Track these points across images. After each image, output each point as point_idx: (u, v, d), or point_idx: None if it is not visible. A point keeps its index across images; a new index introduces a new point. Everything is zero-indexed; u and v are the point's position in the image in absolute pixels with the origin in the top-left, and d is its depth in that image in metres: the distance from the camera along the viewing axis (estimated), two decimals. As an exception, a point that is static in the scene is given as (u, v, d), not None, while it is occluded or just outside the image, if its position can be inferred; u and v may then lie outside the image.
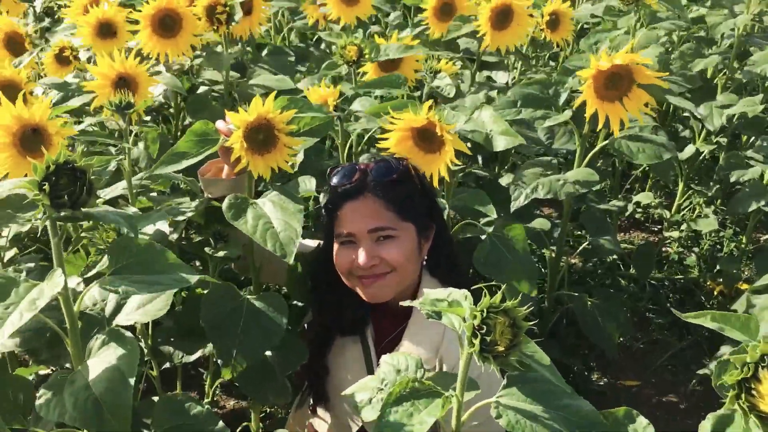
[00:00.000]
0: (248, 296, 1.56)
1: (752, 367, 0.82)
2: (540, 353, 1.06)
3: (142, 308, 1.35)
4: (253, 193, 1.53)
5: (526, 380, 1.05)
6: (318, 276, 1.68)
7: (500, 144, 1.77)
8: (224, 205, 1.44)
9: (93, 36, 2.19)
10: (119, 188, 1.72)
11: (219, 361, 1.49)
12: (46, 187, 1.03)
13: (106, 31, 2.21)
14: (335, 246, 1.60)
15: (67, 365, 1.41)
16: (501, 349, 0.97)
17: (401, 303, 1.12)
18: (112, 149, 1.85)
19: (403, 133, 1.65)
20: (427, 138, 1.65)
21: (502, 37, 2.49)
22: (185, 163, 1.45)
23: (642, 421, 1.00)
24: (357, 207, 1.55)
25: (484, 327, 0.97)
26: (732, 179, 2.88)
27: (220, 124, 1.49)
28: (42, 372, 1.75)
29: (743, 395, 0.84)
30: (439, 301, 1.09)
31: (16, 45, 2.40)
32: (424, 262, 1.66)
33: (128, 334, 1.15)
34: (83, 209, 1.07)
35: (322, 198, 1.92)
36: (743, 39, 2.99)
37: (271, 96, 1.41)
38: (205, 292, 1.56)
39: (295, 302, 1.81)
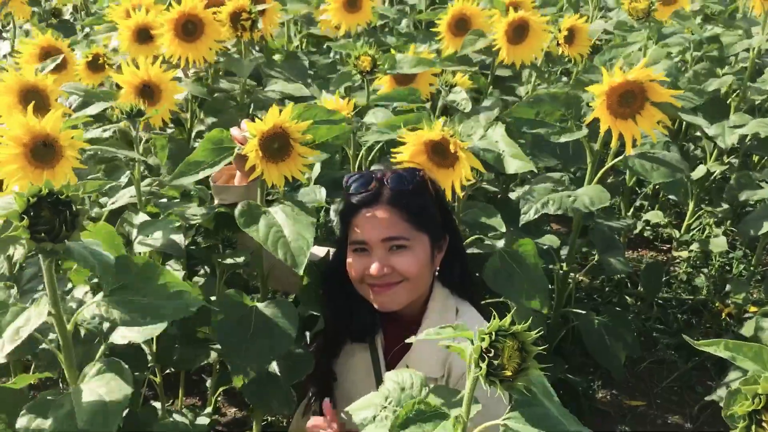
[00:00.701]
0: (257, 303, 1.56)
1: (764, 398, 0.81)
2: (544, 381, 1.04)
3: (136, 327, 1.32)
4: (264, 200, 1.53)
5: (532, 404, 1.04)
6: (331, 281, 1.68)
7: (512, 167, 1.77)
8: (237, 211, 1.44)
9: (131, 40, 2.24)
10: (127, 195, 1.72)
11: (229, 368, 1.49)
12: (26, 221, 0.99)
13: (144, 36, 2.25)
14: (349, 252, 1.61)
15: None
16: (508, 373, 0.96)
17: (406, 341, 1.13)
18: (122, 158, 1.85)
19: (417, 147, 1.65)
20: (440, 152, 1.65)
21: (518, 51, 2.51)
22: (202, 174, 1.46)
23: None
24: (372, 215, 1.55)
25: (492, 350, 0.96)
26: (741, 198, 2.87)
27: (234, 131, 1.50)
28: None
29: (753, 426, 0.82)
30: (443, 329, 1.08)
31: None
32: (436, 273, 1.65)
33: (125, 366, 1.13)
34: (67, 242, 1.03)
35: (333, 208, 1.91)
36: (757, 60, 2.98)
37: (289, 106, 1.42)
38: (213, 298, 1.56)
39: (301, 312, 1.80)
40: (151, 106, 1.95)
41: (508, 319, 0.98)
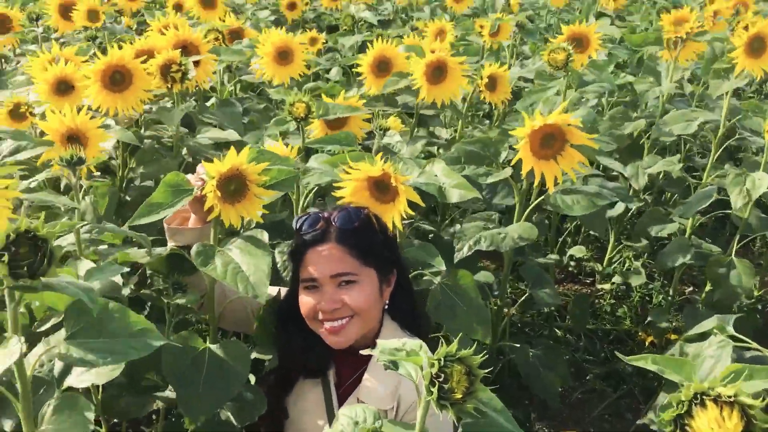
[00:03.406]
0: (210, 345, 1.57)
1: (686, 404, 0.90)
2: (495, 400, 1.10)
3: (94, 369, 1.31)
4: (217, 241, 1.57)
5: (480, 427, 1.09)
6: (284, 319, 1.71)
7: (454, 196, 1.85)
8: (192, 252, 1.47)
9: (49, 92, 2.20)
10: (66, 242, 1.70)
11: (182, 411, 1.48)
12: (5, 257, 0.99)
13: (63, 88, 2.22)
14: (300, 290, 1.65)
15: (6, 429, 1.36)
16: (458, 396, 1.01)
17: (361, 351, 1.15)
18: (61, 207, 1.83)
19: (358, 183, 1.72)
20: (381, 188, 1.72)
21: (438, 91, 2.62)
22: (162, 214, 1.49)
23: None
24: (320, 253, 1.61)
25: (442, 375, 1.01)
26: (652, 234, 3.06)
27: (190, 176, 1.55)
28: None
29: (678, 431, 0.91)
30: (398, 351, 1.13)
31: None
32: (386, 307, 1.71)
33: (83, 399, 1.12)
34: (43, 279, 1.03)
35: (277, 251, 1.95)
36: (666, 105, 3.22)
37: (245, 149, 1.47)
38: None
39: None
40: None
41: (454, 345, 1.03)
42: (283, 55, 2.82)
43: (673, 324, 3.24)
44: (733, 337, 1.84)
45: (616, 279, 3.57)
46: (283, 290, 1.78)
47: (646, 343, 3.24)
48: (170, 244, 1.67)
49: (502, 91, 2.89)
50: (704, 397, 0.89)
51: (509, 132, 2.24)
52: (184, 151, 2.52)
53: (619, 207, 3.27)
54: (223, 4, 3.87)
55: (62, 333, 1.10)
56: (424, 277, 2.04)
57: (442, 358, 1.01)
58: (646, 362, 1.05)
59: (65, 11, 3.65)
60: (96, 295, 1.03)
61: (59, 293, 0.99)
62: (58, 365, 1.31)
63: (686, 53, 3.17)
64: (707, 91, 3.13)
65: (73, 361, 1.01)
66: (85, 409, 1.06)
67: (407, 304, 1.75)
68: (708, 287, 2.93)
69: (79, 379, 1.25)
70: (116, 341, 1.04)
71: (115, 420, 1.72)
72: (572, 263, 3.91)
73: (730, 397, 0.87)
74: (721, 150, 2.93)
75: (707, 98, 3.28)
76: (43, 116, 2.02)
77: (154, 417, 2.45)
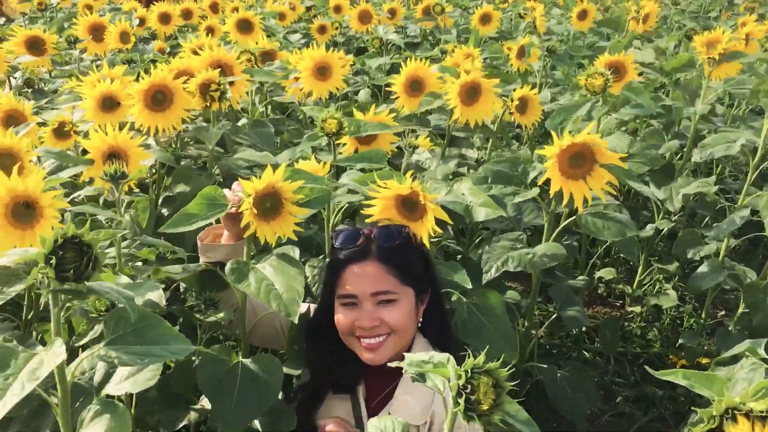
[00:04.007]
0: (243, 359, 1.60)
1: (717, 419, 0.90)
2: (521, 412, 1.10)
3: (131, 378, 1.36)
4: (250, 257, 1.60)
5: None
6: (315, 334, 1.72)
7: (480, 215, 1.86)
8: (227, 269, 1.51)
9: (96, 109, 2.27)
10: (107, 257, 1.75)
11: (218, 424, 1.50)
12: (53, 260, 1.04)
13: (108, 104, 2.29)
14: (337, 306, 1.66)
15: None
16: (485, 408, 1.02)
17: (389, 364, 1.16)
18: (102, 219, 1.88)
19: (387, 201, 1.74)
20: (409, 206, 1.74)
21: (471, 112, 2.64)
22: (195, 225, 1.53)
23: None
24: (360, 270, 1.63)
25: (469, 387, 1.02)
26: (689, 256, 3.02)
27: (227, 192, 1.58)
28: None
29: (711, 447, 0.91)
30: (425, 363, 1.14)
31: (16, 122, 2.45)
32: (419, 325, 1.72)
33: (121, 405, 1.15)
34: (87, 283, 1.08)
35: (308, 266, 1.98)
36: (699, 125, 3.20)
37: (281, 167, 1.51)
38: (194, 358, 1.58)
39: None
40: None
41: (481, 357, 1.05)
42: (322, 71, 2.88)
43: (705, 347, 3.19)
44: (765, 360, 1.83)
45: (647, 301, 3.54)
46: (313, 306, 1.79)
47: (678, 366, 3.20)
48: (202, 260, 1.71)
49: (532, 114, 2.91)
50: (735, 412, 0.89)
51: (538, 152, 2.26)
52: (217, 171, 2.58)
53: (649, 229, 3.26)
54: (260, 29, 3.96)
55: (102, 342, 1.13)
56: (452, 298, 2.05)
57: (470, 370, 1.03)
58: (676, 377, 1.05)
59: (95, 32, 3.77)
60: (134, 300, 1.07)
61: (102, 297, 1.02)
62: (98, 375, 1.36)
63: (719, 74, 3.15)
64: (744, 113, 3.11)
65: (113, 361, 1.04)
66: (124, 414, 1.08)
67: (439, 322, 1.75)
68: (741, 310, 2.89)
69: (117, 387, 1.29)
70: (153, 347, 1.08)
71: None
72: (602, 286, 3.89)
73: (762, 412, 0.87)
74: (757, 172, 2.90)
75: (739, 119, 3.26)
76: (86, 135, 2.08)
77: None
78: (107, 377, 1.36)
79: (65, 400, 1.13)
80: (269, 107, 3.52)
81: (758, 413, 0.88)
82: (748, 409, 0.88)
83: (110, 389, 1.30)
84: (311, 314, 1.79)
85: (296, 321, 1.46)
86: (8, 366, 1.03)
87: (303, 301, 1.81)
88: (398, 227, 1.69)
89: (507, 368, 1.04)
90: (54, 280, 1.04)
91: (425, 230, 1.71)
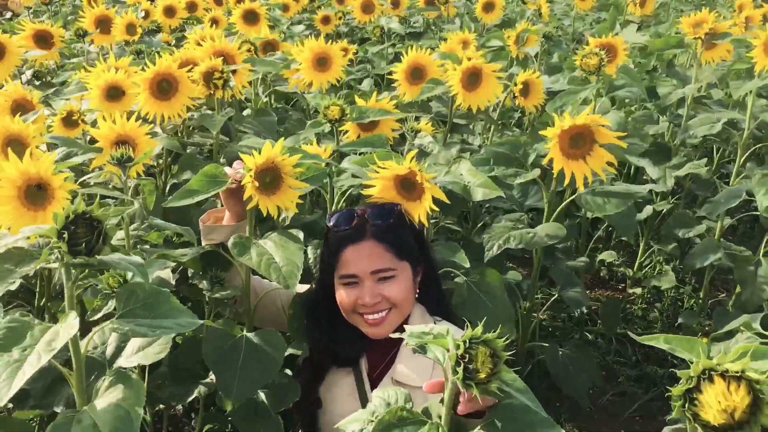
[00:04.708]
0: (246, 333, 1.66)
1: (695, 379, 0.95)
2: (518, 381, 1.15)
3: (141, 351, 1.42)
4: (253, 234, 1.66)
5: (506, 410, 1.15)
6: (315, 312, 1.78)
7: (478, 195, 1.90)
8: (230, 243, 1.57)
9: (101, 98, 2.32)
10: (114, 239, 1.80)
11: (221, 394, 1.56)
12: (66, 235, 1.10)
13: (114, 93, 2.34)
14: (338, 285, 1.72)
15: (57, 409, 1.46)
16: (482, 376, 1.07)
17: (390, 335, 1.21)
18: (111, 203, 1.94)
19: (386, 182, 1.78)
20: (408, 186, 1.78)
21: (473, 97, 2.68)
22: (196, 198, 1.59)
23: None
24: (358, 250, 1.68)
25: (467, 356, 1.07)
26: (680, 235, 3.06)
27: (227, 169, 1.63)
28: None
29: (687, 405, 0.96)
30: (425, 335, 1.19)
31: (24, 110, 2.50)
32: (416, 295, 1.77)
33: (135, 376, 1.20)
34: (98, 257, 1.13)
35: (310, 248, 2.03)
36: (691, 106, 3.23)
37: (279, 142, 1.57)
38: (201, 335, 1.64)
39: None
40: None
41: (479, 328, 1.09)
42: (322, 62, 2.92)
43: (705, 327, 3.23)
44: (759, 335, 1.87)
45: (647, 283, 3.58)
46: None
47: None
48: (205, 243, 1.76)
49: (535, 97, 2.95)
50: (712, 372, 0.94)
51: (540, 132, 2.30)
52: (222, 159, 2.63)
53: (648, 210, 3.29)
54: (265, 20, 4.00)
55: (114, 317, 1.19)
56: (454, 278, 2.09)
57: (468, 340, 1.07)
58: (658, 341, 1.09)
59: (102, 24, 3.81)
60: (145, 269, 1.13)
61: (114, 268, 1.08)
62: (110, 349, 1.42)
63: (711, 55, 3.18)
64: (741, 98, 3.14)
65: (126, 333, 1.09)
66: (137, 384, 1.13)
67: (435, 292, 1.81)
68: (738, 289, 2.93)
69: (129, 360, 1.35)
70: (163, 321, 1.13)
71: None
72: (603, 269, 3.93)
73: (737, 372, 0.92)
74: (749, 152, 2.93)
75: (739, 105, 3.28)
76: (94, 123, 2.13)
77: (193, 415, 2.55)
78: (118, 351, 1.42)
79: (80, 372, 1.18)
80: (272, 97, 3.57)
81: (733, 373, 0.92)
82: (724, 369, 0.93)
83: (122, 362, 1.36)
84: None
85: (293, 291, 1.51)
86: (25, 338, 1.08)
87: (305, 282, 1.87)
88: (391, 205, 1.75)
89: (504, 339, 1.08)
90: (67, 254, 1.10)
91: (423, 209, 1.76)
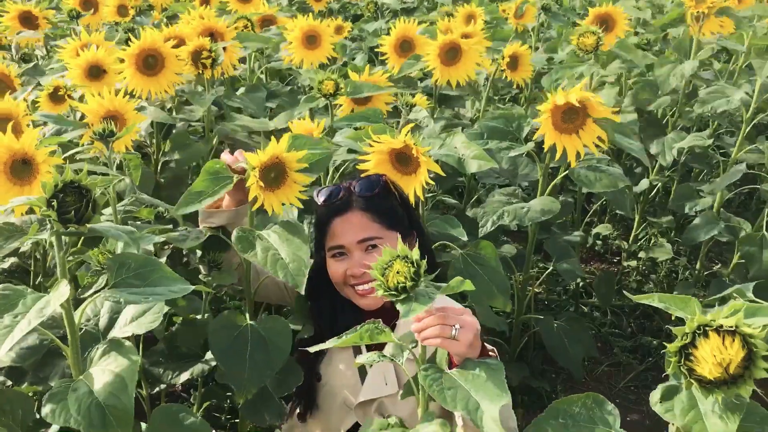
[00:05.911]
0: (251, 322, 1.64)
1: (690, 336, 0.95)
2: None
3: (135, 321, 1.41)
4: (253, 224, 1.63)
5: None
6: (313, 287, 1.77)
7: (473, 167, 1.89)
8: (233, 238, 1.53)
9: (82, 77, 2.29)
10: (103, 217, 1.79)
11: (232, 387, 1.56)
12: (54, 203, 1.10)
13: (95, 72, 2.31)
14: (328, 259, 1.72)
15: (52, 383, 1.46)
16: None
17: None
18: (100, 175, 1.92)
19: (381, 156, 1.77)
20: (403, 160, 1.77)
21: (452, 72, 2.65)
22: (204, 203, 1.55)
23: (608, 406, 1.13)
24: (345, 221, 1.68)
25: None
26: (686, 210, 3.07)
27: (226, 157, 1.60)
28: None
29: (683, 360, 0.96)
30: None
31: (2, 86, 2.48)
32: None
33: (128, 343, 1.21)
34: (88, 225, 1.14)
35: (306, 223, 2.02)
36: (690, 81, 3.21)
37: (285, 137, 1.53)
38: (199, 317, 1.62)
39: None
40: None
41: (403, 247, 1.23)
42: (311, 40, 2.90)
43: (700, 299, 3.25)
44: (752, 302, 1.87)
45: (642, 255, 3.59)
46: None
47: (673, 317, 3.25)
48: (203, 226, 1.75)
49: (523, 70, 2.93)
50: (707, 328, 0.94)
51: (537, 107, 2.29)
52: (215, 140, 2.61)
53: (644, 184, 3.29)
54: (258, -3, 3.95)
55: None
56: (450, 251, 2.09)
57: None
58: (652, 300, 1.10)
59: (88, 3, 3.76)
60: (136, 236, 1.12)
61: (104, 236, 1.07)
62: (103, 321, 1.42)
63: (708, 29, 3.16)
64: (741, 67, 3.12)
65: (119, 301, 1.09)
66: (131, 351, 1.14)
67: (427, 260, 1.80)
68: (735, 260, 2.95)
69: (122, 330, 1.35)
70: (156, 288, 1.13)
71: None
72: (598, 242, 3.93)
73: (731, 327, 0.92)
74: (750, 126, 2.93)
75: (740, 76, 3.26)
76: (81, 99, 2.11)
77: (192, 390, 2.56)
78: (111, 323, 1.41)
79: (75, 343, 1.18)
80: (266, 73, 3.54)
81: (728, 328, 0.93)
82: (719, 324, 0.93)
83: (116, 332, 1.36)
84: None
85: (302, 292, 1.48)
86: (17, 306, 1.09)
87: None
88: (377, 176, 1.75)
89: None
90: (57, 222, 1.10)
91: (419, 183, 1.75)
